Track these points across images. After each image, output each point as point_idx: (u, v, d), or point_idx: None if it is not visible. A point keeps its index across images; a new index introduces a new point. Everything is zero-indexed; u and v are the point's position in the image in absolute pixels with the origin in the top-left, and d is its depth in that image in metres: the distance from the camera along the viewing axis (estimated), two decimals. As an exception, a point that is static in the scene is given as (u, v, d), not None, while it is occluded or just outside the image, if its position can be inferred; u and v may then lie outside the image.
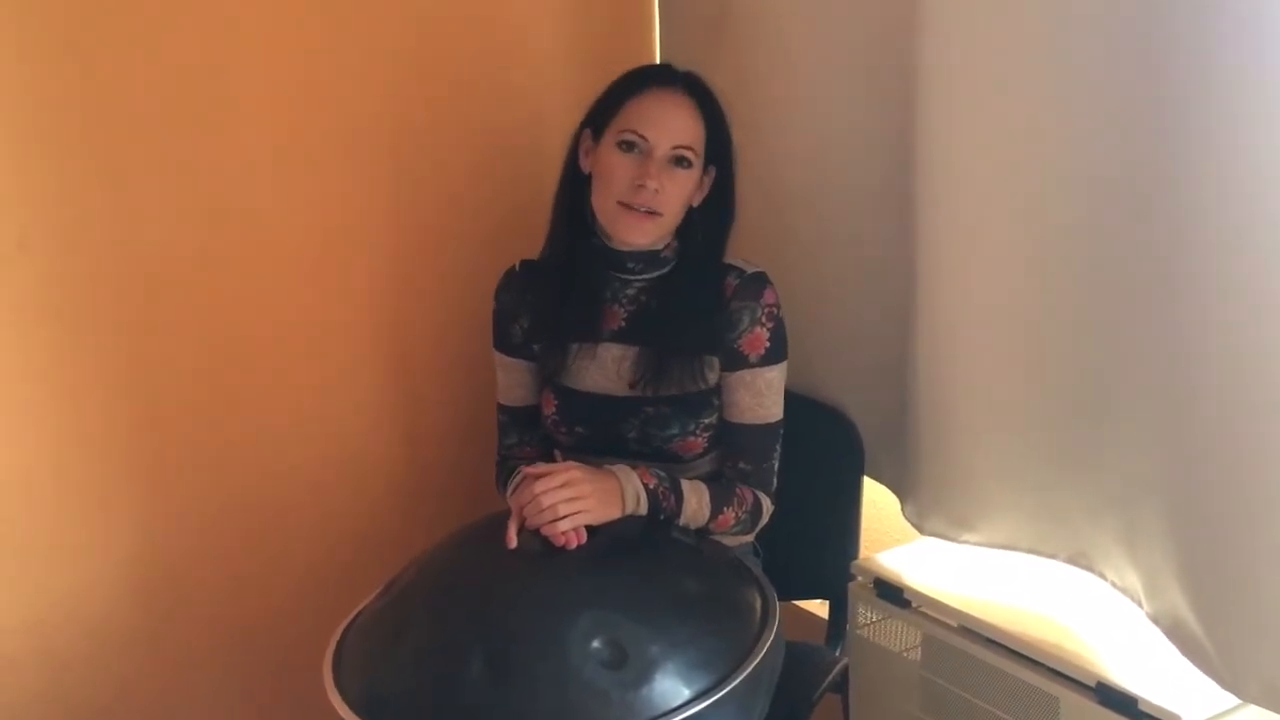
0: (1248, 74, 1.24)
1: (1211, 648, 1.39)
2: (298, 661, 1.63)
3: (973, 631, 1.61)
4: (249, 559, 1.91)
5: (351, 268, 1.94)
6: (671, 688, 1.34)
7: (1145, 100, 1.36)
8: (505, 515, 1.56)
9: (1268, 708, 1.36)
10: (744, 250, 1.73)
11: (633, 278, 1.72)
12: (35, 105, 1.62)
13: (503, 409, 1.85)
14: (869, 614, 1.75)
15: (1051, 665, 1.52)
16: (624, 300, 1.73)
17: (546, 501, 1.51)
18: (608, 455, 1.67)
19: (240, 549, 1.90)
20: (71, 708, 1.78)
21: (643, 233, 1.66)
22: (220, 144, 1.76)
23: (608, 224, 1.67)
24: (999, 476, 1.67)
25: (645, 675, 1.33)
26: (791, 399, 1.74)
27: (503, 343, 1.81)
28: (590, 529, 1.52)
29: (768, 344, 1.67)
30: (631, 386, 1.69)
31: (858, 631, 1.77)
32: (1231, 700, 1.40)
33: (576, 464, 1.58)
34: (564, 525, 1.50)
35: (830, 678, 1.81)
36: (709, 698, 1.34)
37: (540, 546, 1.50)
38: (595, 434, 1.72)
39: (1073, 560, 1.63)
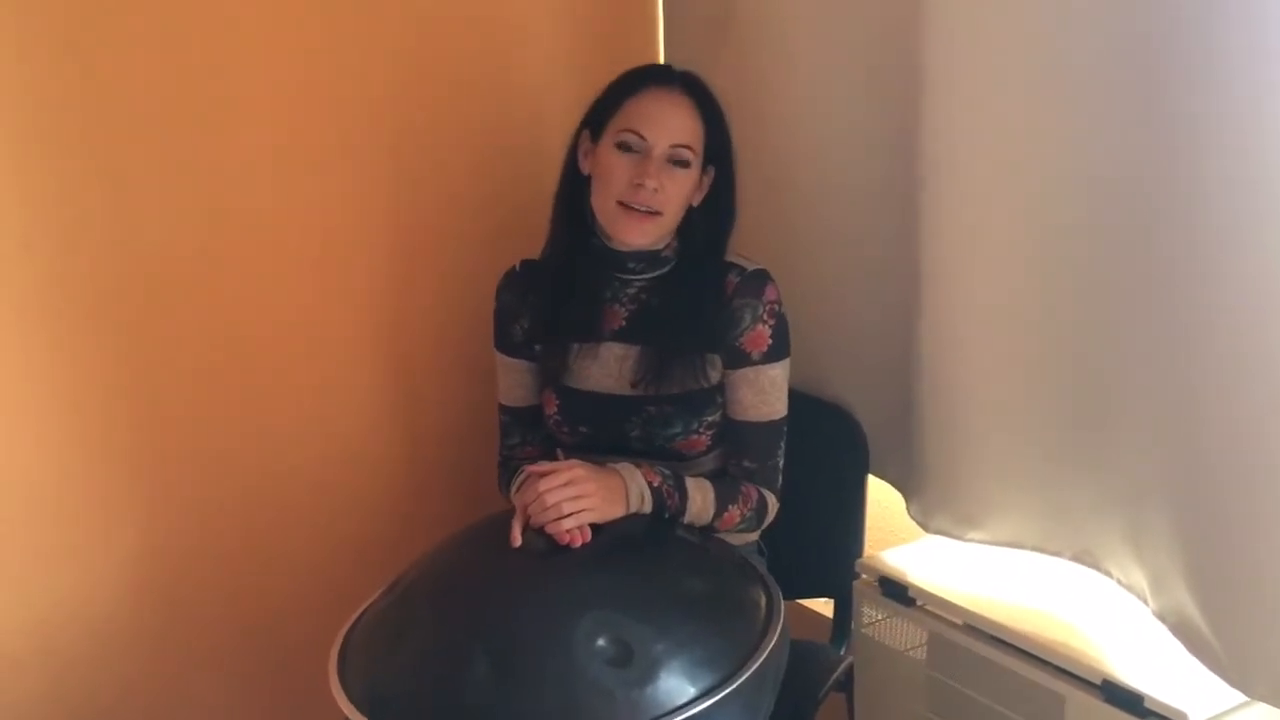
0: (1248, 73, 1.24)
1: (1218, 644, 1.38)
2: (299, 661, 1.63)
3: (978, 630, 1.61)
4: (250, 559, 1.91)
5: (351, 268, 1.93)
6: (676, 686, 1.33)
7: (1145, 100, 1.36)
8: (508, 515, 1.55)
9: (1275, 704, 1.36)
10: (747, 249, 1.73)
11: (633, 277, 1.72)
12: (35, 105, 1.62)
13: (504, 409, 1.84)
14: (874, 612, 1.75)
15: (1057, 663, 1.52)
16: (625, 300, 1.72)
17: (551, 499, 1.50)
18: (610, 454, 1.66)
19: (241, 549, 1.89)
20: (74, 708, 1.78)
21: (642, 233, 1.66)
22: (220, 144, 1.76)
23: (607, 224, 1.67)
24: (1003, 474, 1.67)
25: (650, 674, 1.33)
26: (796, 397, 1.73)
27: (504, 343, 1.81)
28: (595, 527, 1.52)
29: (770, 341, 1.67)
30: (633, 386, 1.69)
31: (863, 630, 1.77)
32: (1238, 697, 1.40)
33: (580, 462, 1.58)
34: (568, 523, 1.50)
35: (835, 676, 1.81)
36: (714, 696, 1.34)
37: (544, 545, 1.49)
38: (598, 433, 1.72)
39: (1078, 558, 1.62)
